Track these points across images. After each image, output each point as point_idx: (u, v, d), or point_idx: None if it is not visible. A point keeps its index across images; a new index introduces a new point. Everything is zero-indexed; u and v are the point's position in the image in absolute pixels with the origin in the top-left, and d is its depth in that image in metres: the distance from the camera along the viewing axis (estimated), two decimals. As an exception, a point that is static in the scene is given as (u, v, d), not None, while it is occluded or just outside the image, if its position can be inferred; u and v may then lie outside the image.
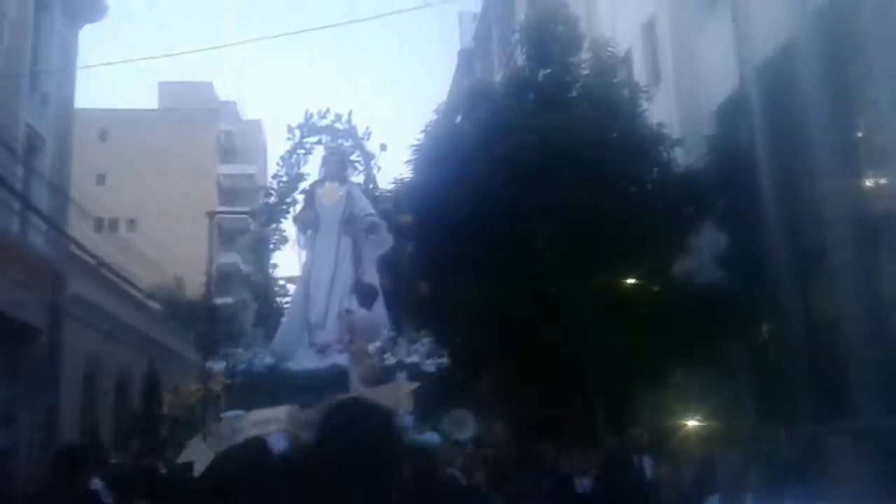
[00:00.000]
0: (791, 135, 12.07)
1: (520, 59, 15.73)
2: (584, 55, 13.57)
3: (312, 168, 10.38)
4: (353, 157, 10.29)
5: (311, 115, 10.12)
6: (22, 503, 6.07)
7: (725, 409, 11.40)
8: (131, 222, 43.42)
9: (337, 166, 9.83)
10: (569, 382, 12.39)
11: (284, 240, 10.21)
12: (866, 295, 10.63)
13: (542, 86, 12.69)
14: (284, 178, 10.17)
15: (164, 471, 8.43)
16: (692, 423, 9.69)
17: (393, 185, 13.10)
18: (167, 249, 34.95)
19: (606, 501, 6.85)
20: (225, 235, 41.57)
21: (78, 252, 18.95)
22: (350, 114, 10.05)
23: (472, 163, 11.24)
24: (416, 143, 13.32)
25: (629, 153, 11.41)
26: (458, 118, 13.83)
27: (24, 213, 15.95)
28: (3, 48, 15.07)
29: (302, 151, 10.25)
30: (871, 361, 10.24)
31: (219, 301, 31.02)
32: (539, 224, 10.98)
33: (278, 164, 10.42)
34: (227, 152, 49.89)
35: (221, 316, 29.10)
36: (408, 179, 13.43)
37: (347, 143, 10.23)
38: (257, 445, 4.92)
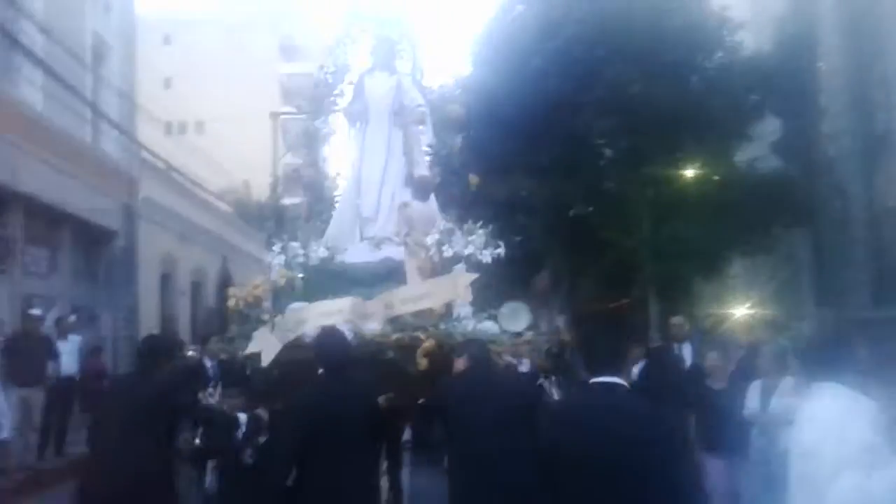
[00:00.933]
0: (860, 15, 11.54)
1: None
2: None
3: (358, 59, 10.23)
4: (399, 47, 10.11)
5: (358, 3, 9.96)
6: (111, 387, 6.37)
7: (781, 297, 11.40)
8: (198, 125, 44.16)
9: (387, 55, 9.62)
10: (627, 275, 12.53)
11: (333, 132, 10.20)
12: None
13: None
14: (332, 69, 10.10)
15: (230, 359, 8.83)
16: (743, 310, 9.74)
17: (450, 80, 13.10)
18: (234, 151, 35.62)
19: (645, 391, 7.04)
20: (290, 136, 42.07)
21: (149, 157, 19.51)
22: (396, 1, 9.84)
23: (527, 58, 11.11)
24: (474, 36, 13.20)
25: (690, 40, 11.07)
26: (519, 7, 13.57)
27: (95, 121, 16.44)
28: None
29: (348, 41, 10.07)
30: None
31: (287, 201, 31.74)
32: (595, 119, 10.88)
33: (325, 53, 10.29)
34: (290, 52, 49.82)
35: (289, 215, 29.88)
36: (466, 74, 13.38)
37: (394, 32, 10.01)
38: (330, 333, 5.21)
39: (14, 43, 13.07)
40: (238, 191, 32.75)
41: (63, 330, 12.02)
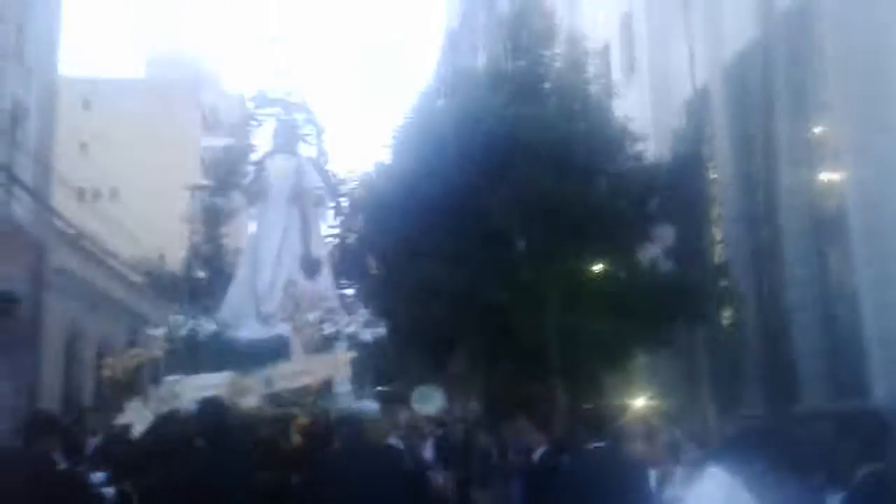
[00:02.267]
0: (752, 131, 12.61)
1: (500, 46, 16.12)
2: (561, 47, 13.99)
3: (262, 141, 10.42)
4: (304, 132, 10.35)
5: (264, 88, 10.20)
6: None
7: (676, 389, 11.99)
8: (113, 193, 43.29)
9: (289, 138, 9.88)
10: (534, 362, 12.90)
11: (235, 209, 10.32)
12: (818, 285, 11.22)
13: (517, 77, 13.11)
14: (234, 149, 10.24)
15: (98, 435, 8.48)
16: (642, 401, 10.23)
17: (364, 165, 13.56)
18: (150, 221, 35.10)
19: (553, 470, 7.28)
20: (201, 209, 41.69)
21: (61, 224, 19.19)
22: (302, 90, 10.12)
23: (446, 150, 11.67)
24: (391, 127, 13.76)
25: (596, 146, 11.88)
26: (439, 102, 14.25)
27: (8, 186, 16.21)
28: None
29: (254, 122, 10.31)
30: (817, 350, 10.84)
31: (202, 274, 31.29)
32: (507, 212, 11.44)
33: (230, 134, 10.49)
34: (212, 125, 49.84)
35: (202, 288, 29.49)
36: (386, 163, 13.85)
37: (300, 117, 10.27)
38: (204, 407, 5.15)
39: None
40: (152, 262, 32.20)
41: None
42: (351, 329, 7.95)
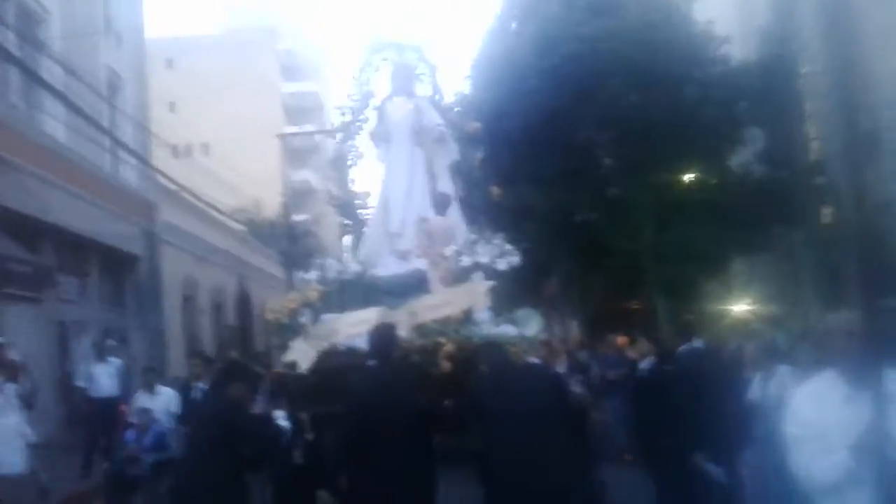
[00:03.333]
0: (842, 20, 12.16)
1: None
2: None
3: (379, 85, 10.75)
4: (418, 71, 10.58)
5: (377, 34, 10.48)
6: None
7: (781, 293, 11.96)
8: (204, 147, 44.72)
9: (405, 80, 10.08)
10: (633, 278, 13.09)
11: (360, 156, 10.73)
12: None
13: (592, -10, 12.91)
14: (356, 96, 10.59)
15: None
16: (744, 307, 10.28)
17: (453, 98, 13.71)
18: (241, 171, 36.22)
19: (662, 380, 7.46)
20: (294, 154, 42.72)
21: (164, 182, 20.12)
22: (413, 29, 10.34)
23: (526, 77, 11.72)
24: (473, 57, 13.85)
25: (679, 54, 11.69)
26: (513, 25, 14.22)
27: (113, 150, 17.09)
28: (78, -3, 15.94)
29: (371, 69, 10.59)
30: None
31: (296, 218, 32.29)
32: (594, 130, 11.49)
33: (351, 81, 10.82)
34: (290, 71, 50.52)
35: (300, 232, 30.52)
36: (467, 94, 14.00)
37: (413, 57, 10.48)
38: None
39: (35, 78, 13.76)
40: (248, 209, 33.37)
41: (101, 353, 12.37)
42: (485, 259, 8.07)
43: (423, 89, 10.46)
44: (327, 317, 7.84)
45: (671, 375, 7.06)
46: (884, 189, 11.76)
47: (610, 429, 8.02)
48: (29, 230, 13.18)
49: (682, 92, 11.89)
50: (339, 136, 10.83)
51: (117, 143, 17.15)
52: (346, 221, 10.40)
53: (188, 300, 21.71)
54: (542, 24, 12.22)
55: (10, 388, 10.01)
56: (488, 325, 7.24)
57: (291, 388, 6.53)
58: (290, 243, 27.88)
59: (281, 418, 5.76)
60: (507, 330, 7.40)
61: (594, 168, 12.70)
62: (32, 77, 13.48)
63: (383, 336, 5.19)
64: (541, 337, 8.17)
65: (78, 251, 15.59)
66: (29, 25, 14.33)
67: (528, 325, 7.68)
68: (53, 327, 14.32)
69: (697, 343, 8.59)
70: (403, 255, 8.96)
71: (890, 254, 11.55)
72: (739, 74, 12.45)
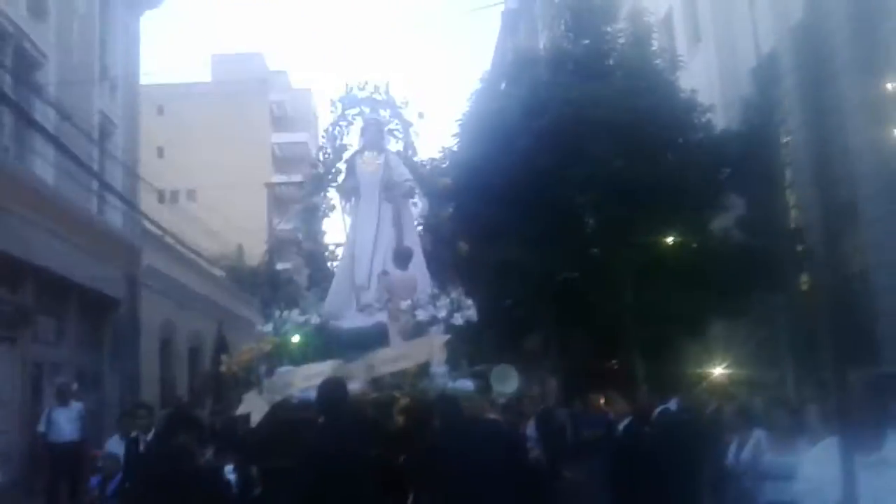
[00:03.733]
0: (822, 93, 12.53)
1: (560, 26, 16.24)
2: (622, 23, 14.08)
3: (355, 139, 10.93)
4: (391, 126, 10.78)
5: (352, 88, 10.44)
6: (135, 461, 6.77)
7: (757, 358, 12.07)
8: (190, 193, 44.78)
9: (375, 136, 10.18)
10: (611, 338, 13.17)
11: (332, 208, 10.83)
12: (894, 246, 11.15)
13: (580, 56, 13.28)
14: (329, 150, 10.74)
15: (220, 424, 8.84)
16: (720, 370, 10.39)
17: (438, 154, 13.96)
18: (226, 218, 36.28)
19: (639, 442, 7.53)
20: (281, 203, 42.88)
21: (149, 226, 20.19)
22: (388, 85, 10.44)
23: (515, 136, 11.98)
24: (461, 114, 14.13)
25: (663, 121, 12.00)
26: (503, 85, 14.55)
27: (101, 194, 17.19)
28: (75, 43, 16.18)
29: (344, 123, 10.71)
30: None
31: (279, 266, 32.31)
32: (579, 191, 11.70)
33: (323, 136, 10.99)
34: (280, 121, 51.04)
35: (282, 280, 30.51)
36: (455, 150, 14.23)
37: (386, 113, 10.68)
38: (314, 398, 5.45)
39: (28, 120, 13.89)
40: (231, 257, 33.36)
41: (63, 397, 12.35)
42: (443, 314, 8.10)
43: (394, 145, 10.64)
44: (282, 369, 7.79)
45: (649, 437, 7.14)
46: (860, 258, 11.99)
47: (583, 489, 8.03)
48: (9, 269, 13.18)
49: (664, 157, 12.19)
50: (310, 188, 10.98)
51: (105, 186, 17.26)
52: (309, 272, 10.51)
53: (166, 344, 21.58)
54: (532, 87, 12.52)
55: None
56: (445, 380, 7.23)
57: (241, 441, 6.60)
58: (272, 291, 27.85)
59: (229, 472, 5.84)
60: (465, 384, 7.39)
61: (577, 228, 12.88)
62: (26, 119, 13.62)
63: (332, 391, 5.20)
64: (511, 395, 8.11)
65: (58, 292, 15.55)
66: (26, 69, 14.53)
67: (507, 383, 7.59)
68: (29, 368, 14.20)
69: (673, 404, 8.69)
70: (364, 309, 8.98)
71: (864, 321, 11.78)
72: (721, 142, 12.77)
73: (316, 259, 10.85)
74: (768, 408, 6.79)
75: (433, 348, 7.41)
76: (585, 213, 12.87)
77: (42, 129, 13.97)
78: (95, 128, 16.99)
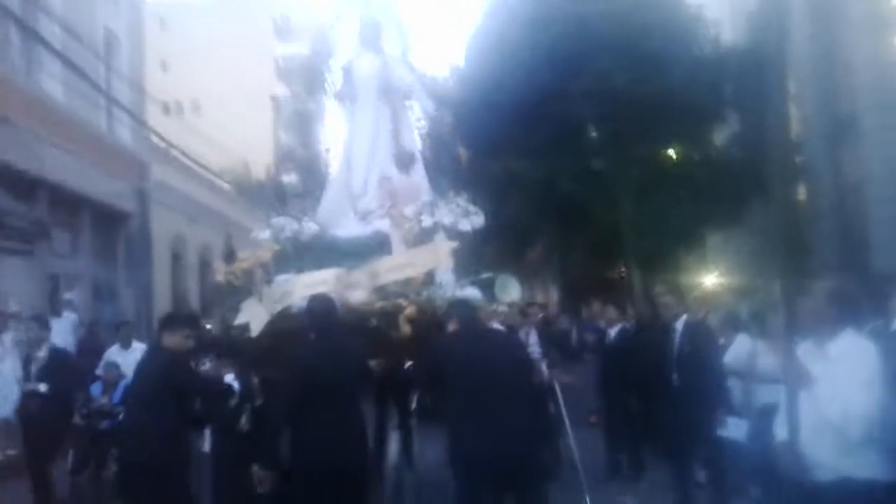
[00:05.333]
0: (826, 7, 12.54)
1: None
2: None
3: (348, 41, 10.53)
4: (386, 28, 10.34)
5: None
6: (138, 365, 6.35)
7: (750, 266, 12.43)
8: (195, 106, 44.45)
9: (372, 37, 9.78)
10: (609, 247, 13.53)
11: (325, 113, 10.54)
12: (889, 157, 11.39)
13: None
14: (322, 52, 10.38)
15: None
16: (713, 279, 10.69)
17: (442, 70, 14.01)
18: (232, 131, 36.21)
19: (633, 348, 7.86)
20: (284, 116, 42.72)
21: (157, 141, 20.34)
22: None
23: (519, 50, 12.04)
24: (467, 32, 14.16)
25: (670, 35, 12.03)
26: (509, 4, 14.48)
27: (109, 109, 17.31)
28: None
29: (338, 24, 10.31)
30: (890, 219, 11.12)
31: (285, 179, 32.31)
32: (580, 106, 11.85)
33: (315, 36, 10.58)
34: (284, 33, 50.27)
35: (288, 192, 30.73)
36: (461, 66, 14.31)
37: (381, 13, 10.21)
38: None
39: (35, 37, 13.94)
40: (237, 170, 33.47)
41: (56, 308, 12.25)
42: (449, 220, 7.73)
43: (390, 47, 10.14)
44: (282, 278, 7.51)
45: (636, 343, 7.53)
46: (858, 170, 12.22)
47: (581, 393, 8.32)
48: (25, 185, 13.47)
49: (669, 72, 12.25)
50: (296, 89, 10.55)
51: (113, 102, 17.36)
52: (289, 178, 9.93)
53: (177, 257, 22.05)
54: (535, 4, 12.47)
55: (7, 337, 10.36)
56: (451, 288, 6.99)
57: (242, 351, 6.40)
58: (280, 203, 28.11)
59: (231, 381, 5.68)
60: (470, 293, 7.07)
61: (579, 142, 13.08)
62: (33, 36, 13.67)
63: (320, 307, 5.24)
64: (516, 302, 8.02)
65: (71, 207, 15.88)
66: (30, -16, 14.47)
67: (508, 292, 7.41)
68: (46, 280, 14.66)
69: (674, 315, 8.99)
70: (365, 216, 8.60)
71: (858, 229, 12.10)
72: (727, 56, 12.81)
73: (311, 166, 10.57)
74: (754, 313, 7.12)
75: (439, 255, 7.08)
76: (587, 126, 13.03)
77: (49, 46, 14.03)
78: (101, 43, 16.99)
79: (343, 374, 4.91)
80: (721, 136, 13.25)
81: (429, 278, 7.01)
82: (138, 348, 9.01)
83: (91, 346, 11.41)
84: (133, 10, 19.46)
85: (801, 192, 13.57)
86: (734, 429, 6.23)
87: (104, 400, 7.97)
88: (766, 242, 13.44)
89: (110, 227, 17.84)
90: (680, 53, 12.49)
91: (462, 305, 5.49)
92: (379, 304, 6.60)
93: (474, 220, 8.25)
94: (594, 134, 13.13)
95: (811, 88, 12.80)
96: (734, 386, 6.67)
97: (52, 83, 15.02)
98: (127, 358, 8.81)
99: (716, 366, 6.62)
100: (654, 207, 12.11)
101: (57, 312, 11.86)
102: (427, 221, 7.81)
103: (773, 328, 6.56)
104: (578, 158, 13.22)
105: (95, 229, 17.10)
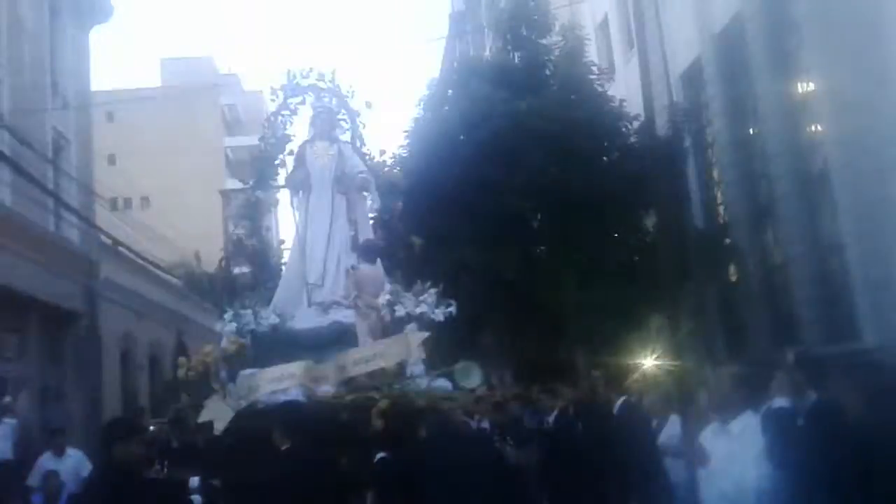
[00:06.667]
0: (743, 98, 13.47)
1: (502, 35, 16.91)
2: (557, 36, 14.85)
3: (298, 129, 10.27)
4: (338, 116, 10.15)
5: (294, 76, 9.94)
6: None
7: (690, 348, 12.89)
8: (144, 200, 44.53)
9: (326, 125, 9.64)
10: (555, 333, 13.93)
11: (276, 202, 10.49)
12: (808, 239, 12.09)
13: (517, 69, 14.05)
14: (272, 141, 10.16)
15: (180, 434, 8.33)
16: (651, 361, 11.07)
17: (388, 158, 14.51)
18: (181, 225, 36.33)
19: (572, 433, 8.15)
20: (232, 207, 42.85)
21: (105, 239, 20.44)
22: (333, 72, 10.08)
23: (459, 146, 12.71)
24: (409, 119, 14.87)
25: (594, 130, 12.84)
26: (449, 92, 15.23)
27: (56, 210, 17.47)
28: (25, 59, 16.45)
29: (287, 112, 10.09)
30: (813, 298, 11.76)
31: (237, 271, 32.32)
32: (519, 198, 12.45)
33: (264, 125, 10.54)
34: (233, 125, 50.99)
35: (238, 285, 30.77)
36: (405, 155, 14.89)
37: (332, 102, 10.05)
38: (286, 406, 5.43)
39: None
40: (188, 264, 33.47)
41: None
42: (421, 309, 7.76)
43: (342, 135, 10.20)
44: (246, 372, 7.43)
45: (573, 429, 7.82)
46: (780, 251, 12.93)
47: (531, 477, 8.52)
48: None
49: (598, 163, 13.01)
50: (250, 181, 10.54)
51: (61, 203, 17.54)
52: (241, 270, 9.79)
53: (126, 355, 21.87)
54: (473, 100, 13.18)
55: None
56: (423, 380, 7.06)
57: (204, 452, 6.36)
58: (230, 297, 28.10)
59: (194, 486, 5.43)
60: (443, 384, 7.24)
61: (522, 229, 13.62)
62: (-18, 145, 13.94)
63: (291, 415, 5.19)
64: (478, 391, 8.01)
65: (19, 309, 15.85)
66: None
67: (469, 379, 7.47)
68: (-10, 385, 14.51)
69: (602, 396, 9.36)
70: (325, 307, 8.56)
71: (785, 307, 12.70)
72: (650, 147, 13.59)
73: (261, 257, 10.52)
74: (685, 394, 7.50)
75: (410, 346, 7.09)
76: (529, 217, 13.61)
77: (-1, 153, 14.29)
78: (49, 145, 17.31)
79: (317, 478, 4.81)
80: (652, 221, 13.93)
81: (400, 369, 7.09)
82: (73, 455, 8.93)
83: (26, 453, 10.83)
84: (82, 111, 19.82)
85: (732, 273, 14.22)
86: None
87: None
88: (700, 325, 14.08)
89: (58, 328, 17.77)
90: (605, 146, 13.27)
91: (432, 413, 5.53)
92: (350, 398, 6.59)
93: (446, 310, 8.33)
94: (535, 223, 13.71)
95: (732, 174, 13.62)
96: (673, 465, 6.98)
97: (1, 188, 15.20)
98: (63, 466, 8.64)
99: (650, 446, 6.99)
100: (596, 291, 12.59)
101: (-3, 418, 11.35)
102: (400, 311, 7.90)
103: (698, 407, 6.98)
104: (522, 246, 13.74)
105: (43, 331, 17.03)
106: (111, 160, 41.91)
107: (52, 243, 17.22)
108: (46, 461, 9.23)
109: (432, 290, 8.65)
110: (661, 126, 14.22)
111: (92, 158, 20.69)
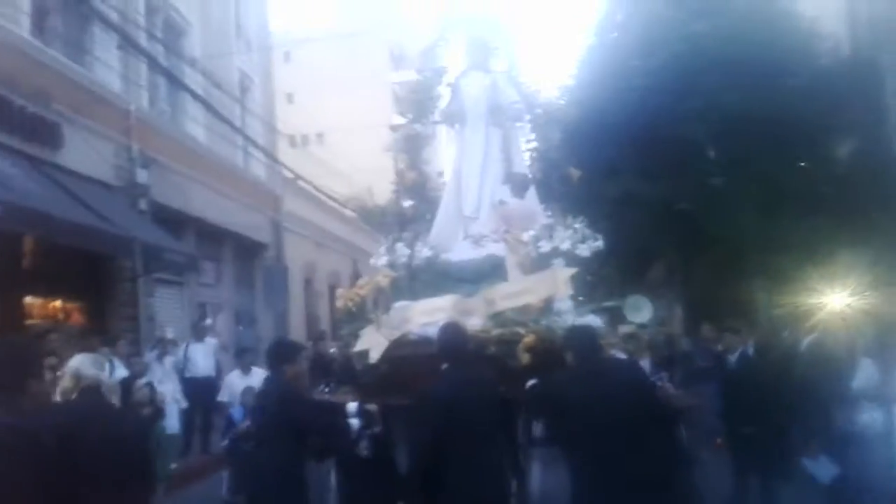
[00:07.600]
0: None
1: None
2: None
3: (455, 61, 10.49)
4: (494, 46, 10.33)
5: (451, 5, 9.66)
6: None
7: (877, 285, 12.00)
8: (319, 137, 46.20)
9: (480, 56, 9.22)
10: (734, 267, 13.43)
11: (434, 135, 10.55)
12: None
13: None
14: (428, 73, 10.42)
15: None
16: (842, 299, 10.35)
17: (552, 89, 14.21)
18: (355, 159, 37.51)
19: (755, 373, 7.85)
20: (396, 140, 43.68)
21: (287, 174, 21.60)
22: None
23: (631, 75, 12.28)
24: (575, 59, 14.49)
25: (780, 52, 11.98)
26: (618, 17, 14.73)
27: (244, 147, 18.64)
28: (212, 5, 17.46)
29: (443, 43, 10.32)
30: None
31: (406, 203, 33.20)
32: (694, 127, 11.94)
33: (421, 58, 10.60)
34: (399, 61, 51.76)
35: (408, 217, 31.67)
36: (570, 86, 14.63)
37: (488, 32, 10.21)
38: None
39: (180, 85, 15.29)
40: (361, 197, 34.77)
41: (199, 333, 12.88)
42: (566, 245, 7.49)
43: (498, 65, 10.02)
44: (399, 304, 7.48)
45: (756, 368, 7.54)
46: None
47: (704, 415, 8.24)
48: (174, 222, 14.75)
49: (783, 87, 12.17)
50: (408, 114, 10.55)
51: (249, 140, 18.70)
52: (410, 203, 9.85)
53: (308, 283, 23.25)
54: (643, 29, 12.64)
55: (168, 361, 11.43)
56: (571, 315, 6.80)
57: (361, 378, 6.40)
58: (401, 229, 29.04)
59: (353, 411, 5.62)
60: (591, 320, 6.92)
61: (696, 160, 13.12)
62: (178, 84, 15.03)
63: (453, 337, 5.19)
64: (630, 329, 7.88)
65: (215, 240, 17.19)
66: (174, 37, 15.92)
67: (641, 313, 7.19)
68: (195, 308, 15.94)
69: (787, 336, 8.97)
70: (478, 240, 8.37)
71: None
72: (846, 69, 12.61)
73: (420, 190, 10.66)
74: (880, 336, 7.06)
75: (557, 282, 6.86)
76: (704, 145, 13.07)
77: (192, 92, 15.34)
78: (236, 85, 18.39)
79: (485, 407, 4.83)
80: (844, 150, 12.99)
81: (547, 306, 6.85)
82: (257, 373, 9.47)
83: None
84: (264, 51, 20.86)
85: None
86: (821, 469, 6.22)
87: (245, 425, 8.44)
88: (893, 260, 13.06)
89: (249, 258, 19.14)
90: (795, 68, 12.37)
91: (580, 332, 5.37)
92: (496, 332, 6.47)
93: (592, 244, 8.27)
94: (711, 153, 13.15)
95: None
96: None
97: (195, 126, 16.37)
98: (247, 382, 9.23)
99: (839, 390, 6.59)
100: (778, 225, 11.99)
101: (200, 338, 12.62)
102: (545, 247, 7.61)
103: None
104: (696, 177, 13.25)
105: (236, 260, 18.40)
106: (289, 99, 43.81)
107: (241, 178, 18.46)
108: (235, 378, 9.97)
109: (579, 226, 8.38)
110: (859, 46, 13.17)
111: (273, 97, 21.81)
